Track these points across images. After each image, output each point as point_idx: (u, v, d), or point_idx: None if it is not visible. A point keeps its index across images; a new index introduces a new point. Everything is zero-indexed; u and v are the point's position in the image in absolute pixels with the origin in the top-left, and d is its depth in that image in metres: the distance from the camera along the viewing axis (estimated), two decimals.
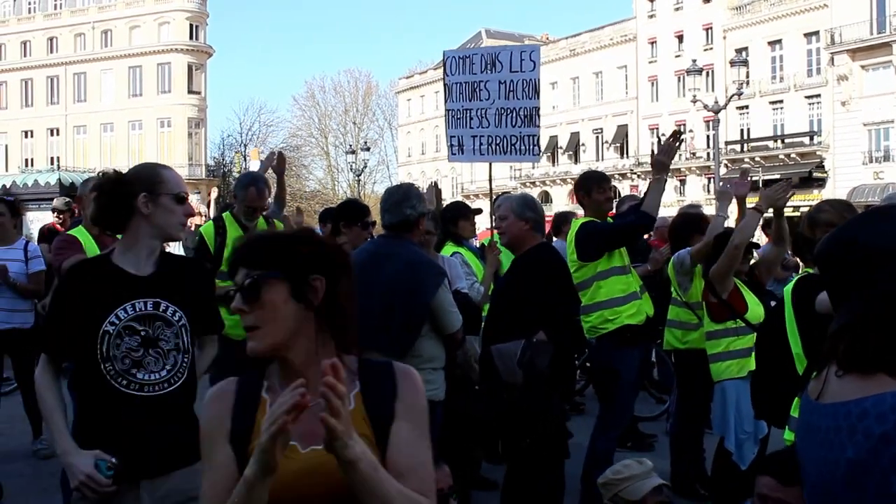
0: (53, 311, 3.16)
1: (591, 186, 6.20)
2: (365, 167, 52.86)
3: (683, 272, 6.09)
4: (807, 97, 47.62)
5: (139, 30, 61.72)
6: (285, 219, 7.57)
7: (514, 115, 7.40)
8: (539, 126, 7.53)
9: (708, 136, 49.91)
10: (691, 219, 6.83)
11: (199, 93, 61.74)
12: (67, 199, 9.80)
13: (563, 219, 9.62)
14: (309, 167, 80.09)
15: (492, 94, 7.47)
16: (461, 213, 6.97)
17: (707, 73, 49.39)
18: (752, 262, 5.98)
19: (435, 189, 7.52)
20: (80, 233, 5.60)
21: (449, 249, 6.44)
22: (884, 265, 1.70)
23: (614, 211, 7.26)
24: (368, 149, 54.69)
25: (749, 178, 5.42)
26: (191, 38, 61.15)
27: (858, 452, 1.64)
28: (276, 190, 7.18)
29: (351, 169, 50.86)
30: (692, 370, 6.04)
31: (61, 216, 9.52)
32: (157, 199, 3.07)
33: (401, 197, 4.75)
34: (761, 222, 6.42)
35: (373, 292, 4.46)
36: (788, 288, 3.57)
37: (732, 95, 28.81)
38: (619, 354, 5.93)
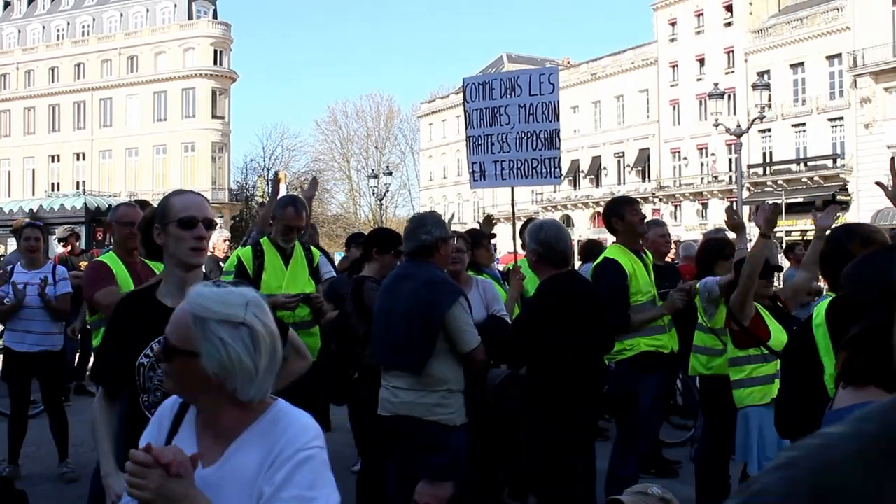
0: (104, 344, 3.26)
1: (624, 209, 6.20)
2: (387, 191, 53.00)
3: (710, 300, 6.08)
4: (829, 120, 47.44)
5: (164, 56, 62.49)
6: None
7: (535, 137, 7.43)
8: (559, 148, 7.55)
9: (730, 160, 49.79)
10: (716, 245, 6.82)
11: (222, 117, 62.33)
12: (68, 227, 10.70)
13: (592, 247, 9.70)
14: (331, 191, 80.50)
15: (512, 119, 7.51)
16: (476, 242, 6.91)
17: (729, 96, 49.26)
18: (778, 287, 5.94)
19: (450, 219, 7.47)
20: (111, 259, 5.65)
21: None
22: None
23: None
24: (391, 173, 54.84)
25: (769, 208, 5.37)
26: (215, 63, 61.83)
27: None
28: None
29: (373, 193, 51.00)
30: (717, 396, 5.99)
31: (67, 243, 10.12)
32: (167, 227, 3.07)
33: (416, 224, 4.87)
34: (783, 247, 6.47)
35: (395, 312, 4.66)
36: (821, 308, 3.55)
37: (755, 119, 28.64)
38: (637, 379, 5.94)
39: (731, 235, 6.87)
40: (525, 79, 7.51)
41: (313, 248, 6.78)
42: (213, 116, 61.62)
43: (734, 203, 32.70)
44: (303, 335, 4.50)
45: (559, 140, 7.53)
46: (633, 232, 6.20)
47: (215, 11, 64.69)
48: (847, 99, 46.28)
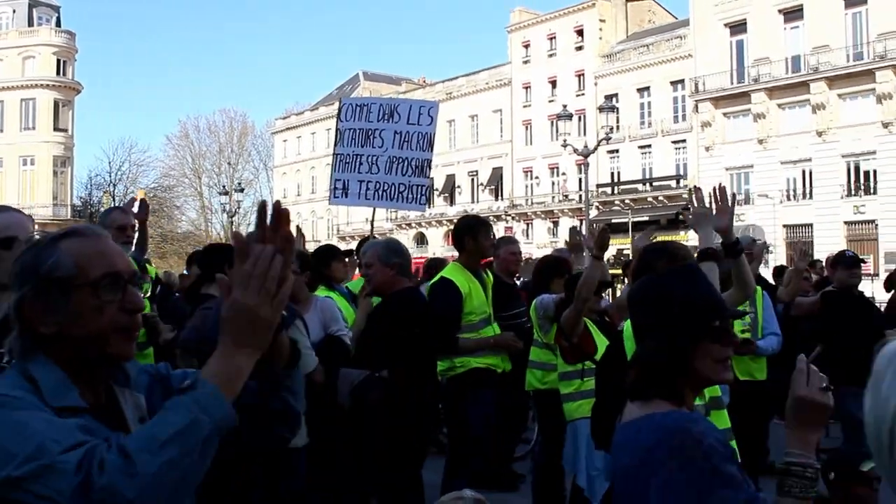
0: None
1: (480, 230, 6.25)
2: (238, 208, 51.81)
3: (546, 317, 6.12)
4: (673, 142, 49.38)
5: (2, 63, 59.15)
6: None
7: (406, 164, 7.70)
8: (429, 177, 7.90)
9: (580, 179, 51.01)
10: (553, 263, 6.92)
11: (65, 130, 59.42)
12: None
13: (435, 265, 9.59)
14: (182, 208, 78.12)
15: (385, 143, 7.77)
16: (333, 255, 6.87)
17: (579, 117, 50.72)
18: (609, 303, 6.21)
19: (298, 233, 7.50)
20: None
21: (320, 294, 6.26)
22: (673, 316, 2.15)
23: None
24: (242, 189, 53.75)
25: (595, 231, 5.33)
26: (58, 73, 58.94)
27: (632, 459, 2.06)
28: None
29: (224, 210, 49.71)
30: (552, 410, 6.03)
31: None
32: None
33: None
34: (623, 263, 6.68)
35: None
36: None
37: (601, 140, 29.55)
38: (467, 395, 5.98)
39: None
40: (405, 107, 7.81)
41: (149, 267, 6.68)
42: (55, 129, 58.63)
43: (582, 222, 33.48)
44: (137, 356, 4.10)
45: (430, 170, 7.87)
46: (480, 254, 6.28)
47: (58, 19, 61.69)
48: (689, 122, 48.28)
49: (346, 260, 7.37)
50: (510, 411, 7.34)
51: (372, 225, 9.07)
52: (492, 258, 7.15)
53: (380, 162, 7.75)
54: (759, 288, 6.55)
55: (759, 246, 8.38)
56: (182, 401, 1.53)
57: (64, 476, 1.39)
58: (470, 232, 6.21)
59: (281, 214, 1.62)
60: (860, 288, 7.81)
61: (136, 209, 6.81)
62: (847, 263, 7.44)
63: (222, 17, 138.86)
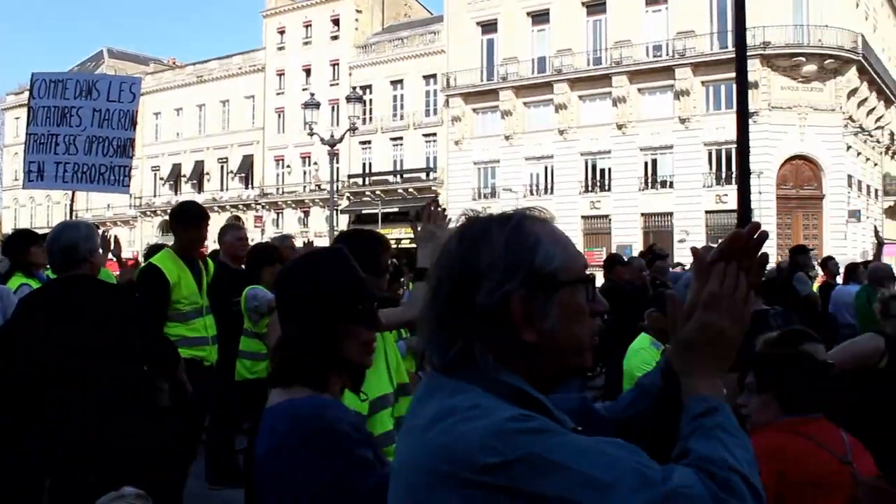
0: None
1: (190, 220, 6.01)
2: None
3: (256, 310, 6.15)
4: (424, 135, 50.01)
5: None
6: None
7: (107, 144, 7.40)
8: (132, 157, 7.62)
9: (333, 169, 50.51)
10: (262, 251, 6.91)
11: None
12: None
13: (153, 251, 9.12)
14: None
15: (84, 121, 7.45)
16: (33, 240, 6.29)
17: (333, 107, 50.33)
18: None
19: (116, 241, 7.21)
20: None
21: (17, 281, 5.89)
22: (318, 298, 2.13)
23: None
24: None
25: None
26: None
27: (269, 446, 2.03)
28: None
29: None
30: (260, 400, 5.47)
31: None
32: None
33: None
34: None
35: None
36: None
37: (347, 131, 29.42)
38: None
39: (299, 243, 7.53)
40: (104, 84, 7.48)
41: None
42: None
43: (333, 212, 32.85)
44: None
45: (133, 149, 7.62)
46: (193, 242, 6.08)
47: None
48: (440, 117, 49.05)
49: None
50: (224, 403, 7.01)
51: (72, 211, 9.05)
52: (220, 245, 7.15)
53: (78, 142, 7.44)
54: None
55: None
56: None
57: (698, 501, 1.23)
58: (179, 220, 6.01)
59: (760, 233, 1.47)
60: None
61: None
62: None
63: None
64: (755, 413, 3.09)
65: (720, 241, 1.53)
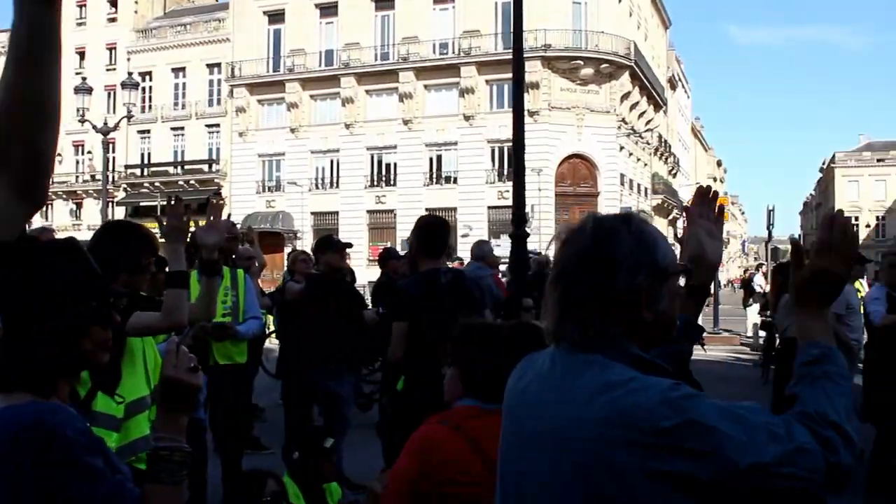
0: None
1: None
2: None
3: None
4: (207, 126, 48.47)
5: None
6: None
7: None
8: None
9: (107, 159, 47.90)
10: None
11: None
12: None
13: None
14: None
15: None
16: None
17: (109, 93, 47.77)
18: None
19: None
20: None
21: None
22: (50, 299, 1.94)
23: None
24: None
25: None
26: None
27: None
28: None
29: None
30: None
31: None
32: None
33: None
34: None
35: None
36: None
37: (121, 119, 27.77)
38: None
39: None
40: None
41: None
42: None
43: (108, 203, 31.02)
44: None
45: None
46: None
47: None
48: (224, 107, 47.63)
49: None
50: None
51: None
52: None
53: None
54: (241, 271, 6.74)
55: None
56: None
57: (815, 456, 1.54)
58: None
59: (713, 192, 2.03)
60: None
61: None
62: (336, 247, 7.59)
63: None
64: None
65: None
